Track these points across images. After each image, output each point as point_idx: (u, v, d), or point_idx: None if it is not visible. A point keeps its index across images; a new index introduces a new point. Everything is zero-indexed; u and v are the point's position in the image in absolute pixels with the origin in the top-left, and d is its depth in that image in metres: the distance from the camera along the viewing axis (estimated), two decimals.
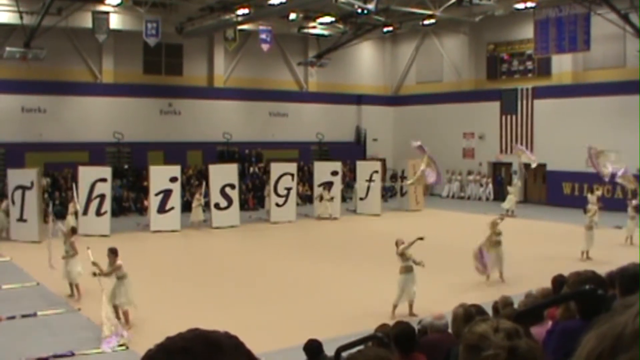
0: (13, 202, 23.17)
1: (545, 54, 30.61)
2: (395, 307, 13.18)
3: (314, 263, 19.45)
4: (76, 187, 23.85)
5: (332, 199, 28.72)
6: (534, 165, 26.35)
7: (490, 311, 7.44)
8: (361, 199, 29.78)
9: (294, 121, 38.11)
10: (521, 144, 34.32)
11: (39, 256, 19.94)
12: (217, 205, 26.20)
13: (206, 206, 28.88)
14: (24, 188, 23.12)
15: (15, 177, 23.65)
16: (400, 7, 30.80)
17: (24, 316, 13.35)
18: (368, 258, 20.04)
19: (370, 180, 29.84)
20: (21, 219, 23.04)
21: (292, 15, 32.76)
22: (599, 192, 27.02)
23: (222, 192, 26.31)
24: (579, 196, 31.52)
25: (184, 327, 1.26)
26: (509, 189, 30.79)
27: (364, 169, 30.61)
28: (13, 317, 13.22)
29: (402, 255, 13.45)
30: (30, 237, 22.51)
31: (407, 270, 13.38)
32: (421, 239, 13.54)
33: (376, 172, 30.61)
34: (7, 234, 23.66)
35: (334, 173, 29.45)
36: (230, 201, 26.48)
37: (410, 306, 13.33)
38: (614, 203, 27.93)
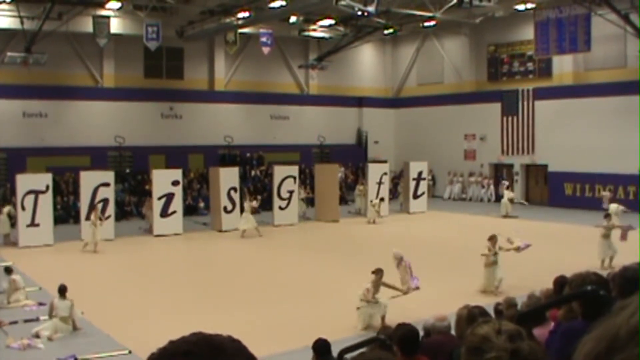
0: (23, 208, 22.75)
1: (545, 54, 30.61)
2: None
3: (317, 266, 19.45)
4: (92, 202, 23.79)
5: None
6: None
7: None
8: (371, 201, 29.72)
9: (295, 124, 38.14)
10: (522, 144, 34.38)
11: (43, 261, 20.03)
12: (225, 209, 26.16)
13: (207, 209, 28.94)
14: (36, 192, 22.95)
15: (27, 182, 23.32)
16: (400, 9, 30.82)
17: (26, 321, 13.34)
18: (371, 260, 19.99)
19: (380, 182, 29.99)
20: (32, 224, 22.72)
21: (293, 18, 32.77)
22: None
23: (228, 195, 26.29)
24: (581, 197, 31.56)
25: (187, 330, 1.26)
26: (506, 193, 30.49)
27: (374, 171, 30.57)
28: (15, 322, 13.23)
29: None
30: (44, 240, 22.52)
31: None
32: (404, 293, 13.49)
33: (385, 174, 30.65)
34: (5, 240, 23.55)
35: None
36: (234, 204, 26.47)
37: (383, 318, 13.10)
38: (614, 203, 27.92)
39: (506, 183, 32.04)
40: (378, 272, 13.17)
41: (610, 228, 18.31)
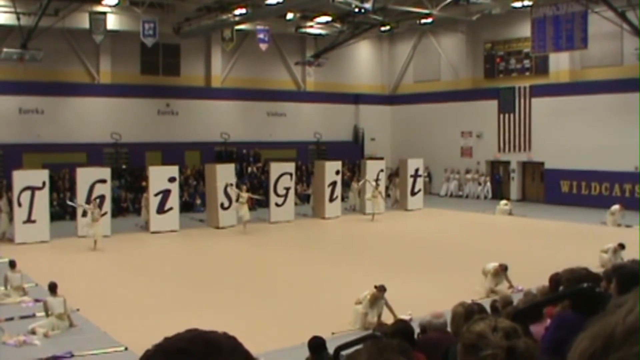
0: (20, 204, 22.70)
1: (542, 52, 30.60)
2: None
3: (314, 262, 19.44)
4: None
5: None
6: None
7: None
8: (369, 199, 29.65)
9: (291, 121, 38.10)
10: (519, 142, 34.40)
11: (39, 257, 19.99)
12: (222, 205, 26.13)
13: (203, 206, 28.91)
14: (33, 189, 22.86)
15: (23, 178, 23.24)
16: (397, 6, 30.81)
17: (22, 317, 13.33)
18: (368, 257, 20.05)
19: (376, 181, 29.81)
20: (29, 220, 22.66)
21: (290, 15, 32.73)
22: (616, 207, 25.46)
23: (225, 192, 26.26)
24: (577, 194, 31.61)
25: (183, 327, 1.26)
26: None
27: (371, 168, 30.48)
28: (11, 319, 13.21)
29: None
30: (40, 237, 22.48)
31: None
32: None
33: (382, 170, 30.60)
34: (1, 236, 23.47)
35: (337, 172, 29.36)
36: (230, 201, 26.45)
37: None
38: (610, 200, 27.95)
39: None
40: (380, 289, 12.57)
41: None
